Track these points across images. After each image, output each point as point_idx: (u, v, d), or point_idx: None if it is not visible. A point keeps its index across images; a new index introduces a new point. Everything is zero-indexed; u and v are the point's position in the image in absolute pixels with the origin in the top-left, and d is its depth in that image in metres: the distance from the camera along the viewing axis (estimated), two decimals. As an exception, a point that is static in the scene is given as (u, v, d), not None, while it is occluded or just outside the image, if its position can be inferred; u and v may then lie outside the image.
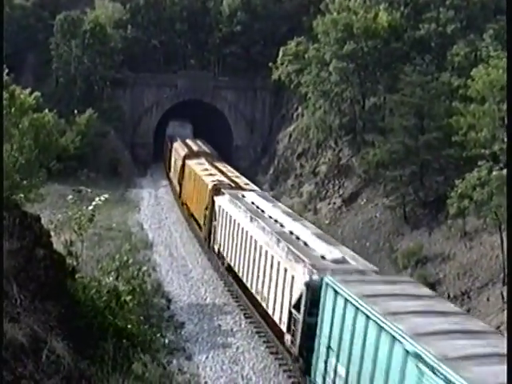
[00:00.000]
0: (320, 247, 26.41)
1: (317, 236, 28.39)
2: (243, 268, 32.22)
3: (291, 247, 26.28)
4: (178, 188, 56.88)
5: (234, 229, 34.48)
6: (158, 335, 23.00)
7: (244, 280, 32.12)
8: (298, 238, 27.90)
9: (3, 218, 15.53)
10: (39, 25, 78.75)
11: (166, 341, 25.42)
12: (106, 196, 29.59)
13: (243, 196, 38.32)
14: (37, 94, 34.98)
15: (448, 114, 43.75)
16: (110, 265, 21.52)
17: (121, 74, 74.88)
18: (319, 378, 20.97)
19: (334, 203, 54.41)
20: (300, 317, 23.27)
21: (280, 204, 39.09)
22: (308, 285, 22.87)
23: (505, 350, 14.15)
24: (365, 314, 18.27)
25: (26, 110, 33.28)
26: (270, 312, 27.76)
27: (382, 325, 17.32)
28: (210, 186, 42.42)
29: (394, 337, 16.69)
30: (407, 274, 39.78)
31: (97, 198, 30.75)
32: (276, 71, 66.20)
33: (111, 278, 20.15)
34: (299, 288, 23.80)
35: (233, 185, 43.31)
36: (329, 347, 20.33)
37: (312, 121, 60.49)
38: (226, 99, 77.08)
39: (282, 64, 65.38)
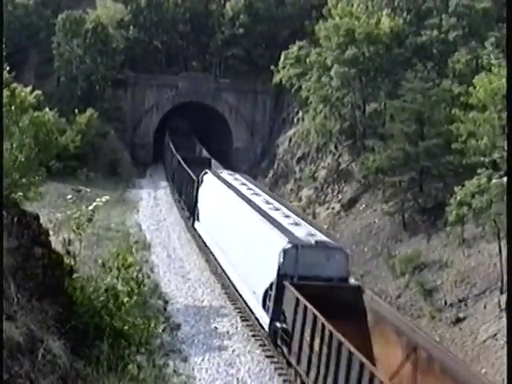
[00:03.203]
0: None
1: None
2: None
3: None
4: None
5: None
6: (154, 330, 22.90)
7: None
8: None
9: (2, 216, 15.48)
10: (41, 23, 78.88)
11: (160, 341, 25.34)
12: (107, 197, 29.32)
13: None
14: (37, 92, 34.84)
15: (448, 120, 43.78)
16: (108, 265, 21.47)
17: (122, 75, 74.91)
18: None
19: (333, 208, 54.38)
20: None
21: None
22: None
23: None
24: None
25: (27, 108, 33.16)
26: None
27: None
28: None
29: None
30: (404, 280, 39.82)
31: (97, 199, 30.58)
32: (277, 75, 66.13)
33: (109, 278, 20.09)
34: None
35: None
36: None
37: (312, 125, 60.42)
38: (226, 101, 77.03)
39: (283, 68, 65.31)
